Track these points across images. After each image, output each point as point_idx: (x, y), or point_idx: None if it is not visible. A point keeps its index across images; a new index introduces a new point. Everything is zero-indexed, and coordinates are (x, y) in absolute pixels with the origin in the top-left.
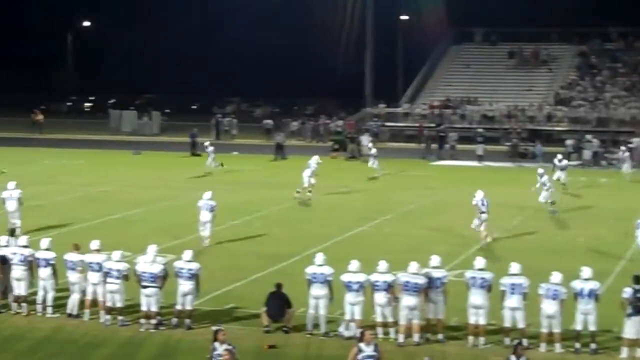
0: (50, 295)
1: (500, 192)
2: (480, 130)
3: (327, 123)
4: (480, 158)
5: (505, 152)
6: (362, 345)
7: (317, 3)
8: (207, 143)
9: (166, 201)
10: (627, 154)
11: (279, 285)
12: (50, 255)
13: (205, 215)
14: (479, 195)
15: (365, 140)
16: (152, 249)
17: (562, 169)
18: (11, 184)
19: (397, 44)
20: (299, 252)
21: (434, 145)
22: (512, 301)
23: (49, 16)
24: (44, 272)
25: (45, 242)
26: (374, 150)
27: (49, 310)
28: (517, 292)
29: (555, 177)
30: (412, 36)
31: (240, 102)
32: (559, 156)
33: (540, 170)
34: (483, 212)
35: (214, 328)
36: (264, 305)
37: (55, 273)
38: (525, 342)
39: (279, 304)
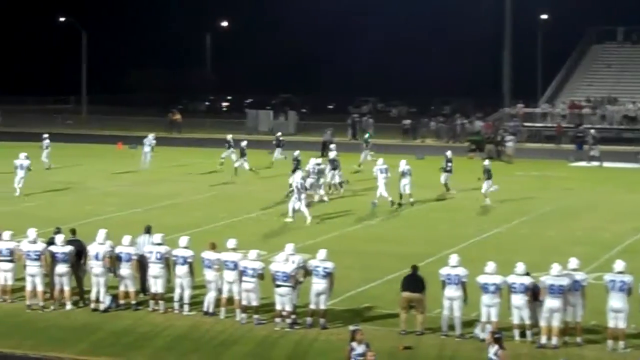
0: (187, 293)
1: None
2: (592, 131)
3: (464, 123)
4: (591, 159)
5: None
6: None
7: (455, 2)
8: (45, 135)
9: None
10: None
11: (415, 267)
12: (188, 253)
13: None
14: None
15: (511, 140)
16: (288, 247)
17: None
18: (22, 155)
19: (537, 43)
20: (435, 253)
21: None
22: None
23: (188, 16)
24: (181, 270)
25: (183, 240)
26: None
27: (186, 307)
28: None
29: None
30: (552, 35)
31: (377, 101)
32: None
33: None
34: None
35: (352, 328)
36: (401, 289)
37: (192, 271)
38: None
39: (415, 283)
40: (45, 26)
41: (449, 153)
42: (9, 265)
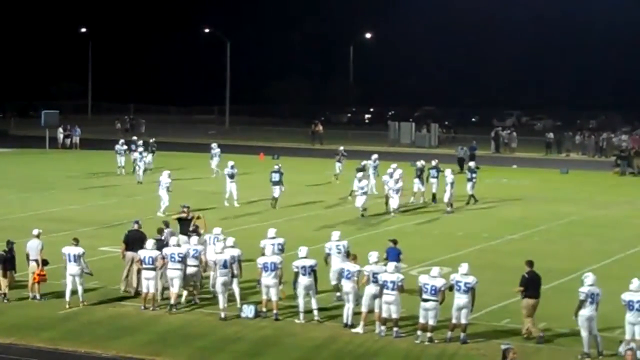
0: (314, 301)
1: None
2: None
3: (610, 137)
4: None
5: None
6: None
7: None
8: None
9: (446, 213)
10: None
11: (530, 263)
12: (312, 262)
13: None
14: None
15: None
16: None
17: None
18: (230, 163)
19: None
20: (578, 269)
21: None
22: None
23: (331, 28)
24: (306, 280)
25: (303, 250)
26: None
27: (315, 312)
28: None
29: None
30: None
31: (521, 115)
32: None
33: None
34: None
35: (504, 347)
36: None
37: (316, 279)
38: None
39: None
40: (190, 37)
41: (472, 164)
42: (152, 274)
